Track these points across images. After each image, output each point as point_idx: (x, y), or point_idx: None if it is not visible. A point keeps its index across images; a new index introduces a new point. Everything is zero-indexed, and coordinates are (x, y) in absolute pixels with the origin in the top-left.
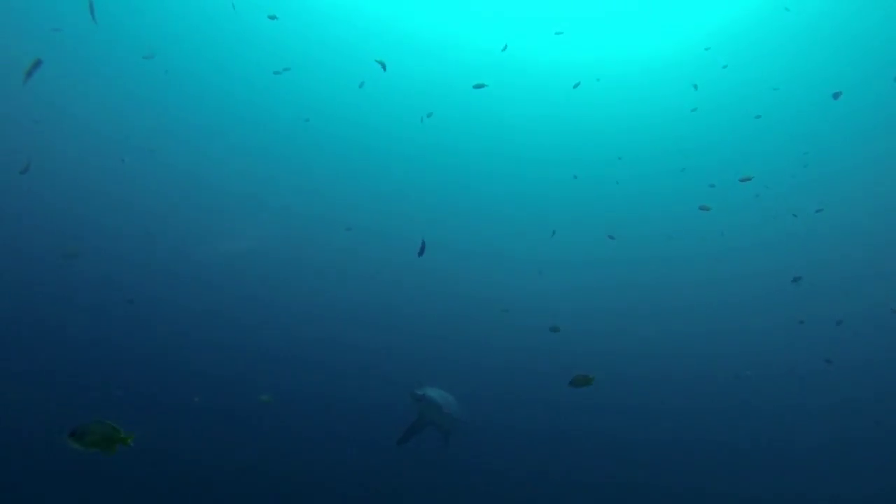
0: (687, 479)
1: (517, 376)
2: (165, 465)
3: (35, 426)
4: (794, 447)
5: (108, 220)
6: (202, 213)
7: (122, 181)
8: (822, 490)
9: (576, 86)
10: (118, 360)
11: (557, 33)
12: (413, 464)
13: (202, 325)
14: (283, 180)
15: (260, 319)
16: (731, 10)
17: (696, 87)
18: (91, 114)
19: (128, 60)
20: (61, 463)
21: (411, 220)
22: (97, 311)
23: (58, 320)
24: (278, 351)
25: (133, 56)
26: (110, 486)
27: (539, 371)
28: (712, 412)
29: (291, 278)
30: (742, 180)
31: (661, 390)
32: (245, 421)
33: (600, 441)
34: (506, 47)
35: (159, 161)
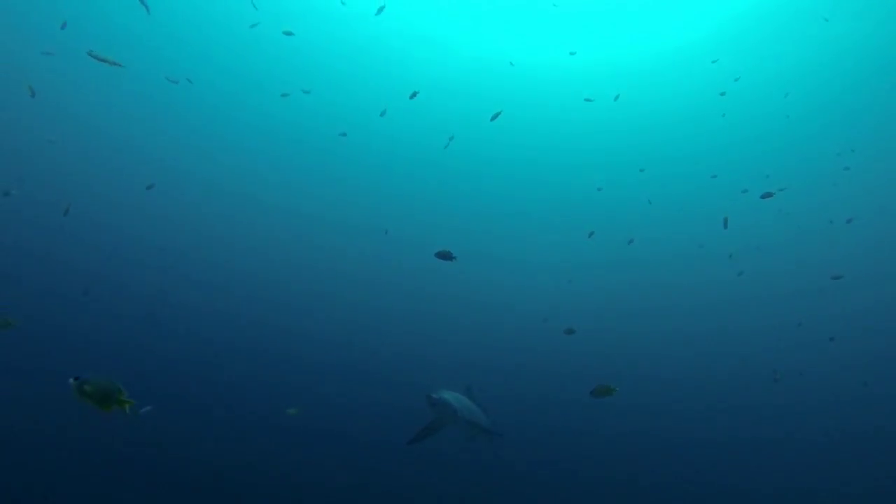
0: (712, 477)
1: (551, 379)
2: (187, 471)
3: (62, 432)
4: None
5: (137, 231)
6: (227, 223)
7: (153, 197)
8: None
9: (588, 100)
10: (143, 370)
11: (571, 53)
12: (433, 466)
13: (232, 333)
14: (314, 192)
15: (291, 328)
16: (747, 8)
17: (723, 93)
18: (112, 130)
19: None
20: (83, 466)
21: (438, 229)
22: (127, 321)
23: (84, 330)
24: (305, 357)
25: (156, 74)
26: (136, 493)
27: (576, 374)
28: (742, 410)
29: (319, 286)
30: (764, 196)
31: (681, 391)
32: (270, 428)
33: (622, 441)
34: (512, 63)
35: (195, 178)
